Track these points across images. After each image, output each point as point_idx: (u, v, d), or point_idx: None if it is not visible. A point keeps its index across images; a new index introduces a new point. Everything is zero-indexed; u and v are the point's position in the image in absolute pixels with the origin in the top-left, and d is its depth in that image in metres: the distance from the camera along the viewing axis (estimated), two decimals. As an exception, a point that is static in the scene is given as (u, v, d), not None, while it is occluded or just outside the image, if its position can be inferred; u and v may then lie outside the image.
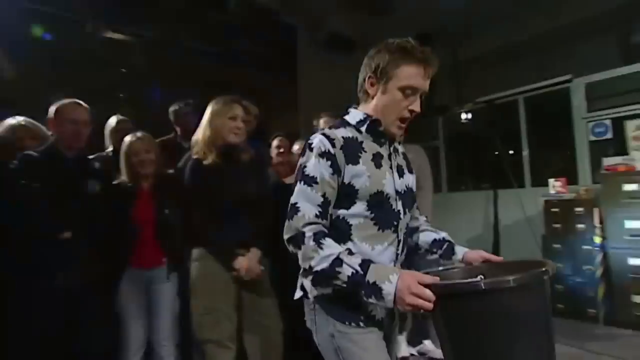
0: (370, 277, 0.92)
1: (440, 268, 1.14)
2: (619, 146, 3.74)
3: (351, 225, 1.05)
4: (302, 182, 1.04)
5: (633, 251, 3.14)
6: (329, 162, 1.03)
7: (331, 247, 0.97)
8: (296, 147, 2.35)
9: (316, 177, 1.03)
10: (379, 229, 1.07)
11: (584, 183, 3.94)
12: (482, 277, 0.94)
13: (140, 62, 5.29)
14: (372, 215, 1.06)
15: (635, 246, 3.14)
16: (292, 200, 1.04)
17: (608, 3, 4.75)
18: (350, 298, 1.00)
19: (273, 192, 2.21)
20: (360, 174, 1.04)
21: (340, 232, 1.05)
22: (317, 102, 5.95)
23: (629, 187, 3.17)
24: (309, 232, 0.99)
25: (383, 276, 0.91)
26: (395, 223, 1.10)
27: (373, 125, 1.11)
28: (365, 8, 5.63)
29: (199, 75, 5.64)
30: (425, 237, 1.25)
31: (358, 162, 1.05)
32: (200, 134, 1.81)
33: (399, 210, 1.11)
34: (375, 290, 0.91)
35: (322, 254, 0.96)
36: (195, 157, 1.80)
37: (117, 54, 4.92)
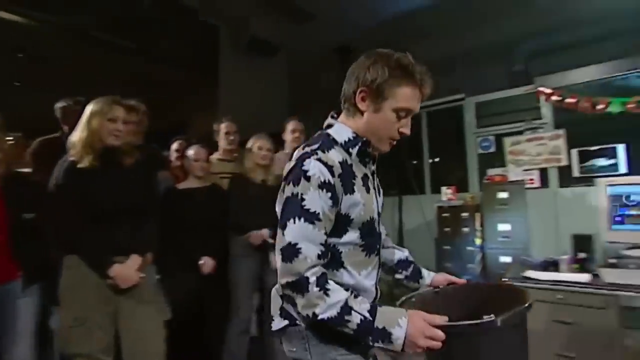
0: (379, 323, 0.88)
1: (417, 292, 1.15)
2: (501, 159, 4.29)
3: (342, 252, 0.99)
4: (302, 219, 0.91)
5: (503, 250, 3.63)
6: (329, 194, 0.93)
7: (337, 293, 0.90)
8: (191, 152, 2.31)
9: (319, 213, 0.92)
10: (366, 255, 1.03)
11: (473, 191, 4.44)
12: (493, 316, 0.89)
13: (45, 49, 4.79)
14: (363, 242, 1.01)
15: (504, 246, 3.63)
16: (292, 239, 0.91)
17: (498, 35, 5.41)
18: None
19: (164, 197, 2.17)
20: (357, 204, 0.97)
21: (332, 260, 0.98)
22: (238, 105, 5.89)
23: (501, 195, 3.66)
24: (312, 276, 0.90)
25: (392, 321, 0.88)
26: (377, 246, 1.07)
27: (364, 147, 1.02)
28: (288, 14, 5.73)
29: (114, 69, 5.26)
30: (390, 255, 1.23)
31: (354, 191, 0.97)
32: (77, 135, 1.71)
33: (380, 233, 1.08)
34: (385, 335, 0.87)
35: (328, 302, 0.89)
36: (71, 159, 1.70)
37: (11, 38, 4.41)
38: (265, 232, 2.29)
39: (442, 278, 1.19)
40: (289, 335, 1.01)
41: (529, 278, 2.13)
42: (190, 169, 2.28)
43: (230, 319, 2.28)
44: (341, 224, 0.97)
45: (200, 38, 5.67)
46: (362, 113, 1.01)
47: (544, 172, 4.05)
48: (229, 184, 2.37)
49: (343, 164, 0.97)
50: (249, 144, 2.43)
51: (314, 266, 0.91)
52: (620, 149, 3.67)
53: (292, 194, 0.94)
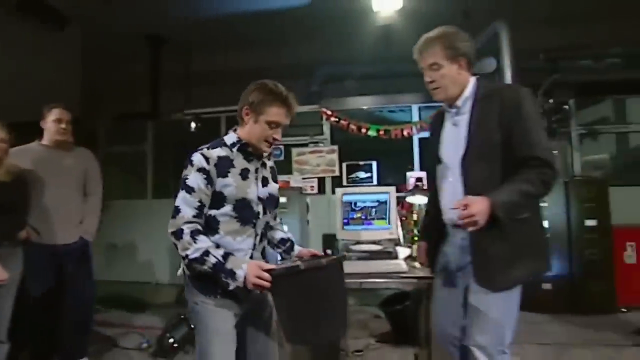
0: (228, 265, 1.32)
1: (288, 262, 1.55)
2: (289, 167, 4.84)
3: (219, 221, 1.42)
4: (184, 190, 1.39)
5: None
6: (204, 176, 1.39)
7: (203, 242, 1.34)
8: None
9: (194, 187, 1.38)
10: (240, 225, 1.43)
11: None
12: (300, 263, 1.36)
13: None
14: (236, 215, 1.42)
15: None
16: (176, 203, 1.38)
17: (301, 57, 6.10)
18: (211, 277, 1.37)
19: None
20: (229, 185, 1.40)
21: (210, 226, 1.41)
22: (3, 79, 4.79)
23: (281, 199, 4.13)
24: (186, 229, 1.34)
25: (237, 265, 1.32)
26: (254, 221, 1.46)
27: (243, 147, 1.46)
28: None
29: None
30: (276, 234, 1.65)
31: (227, 176, 1.41)
32: None
33: (258, 212, 1.48)
34: (231, 274, 1.31)
35: (195, 247, 1.33)
36: None
37: None
38: None
39: (306, 251, 1.62)
40: (182, 280, 1.50)
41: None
42: None
43: None
44: (218, 199, 1.41)
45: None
46: (246, 124, 1.46)
47: (321, 180, 4.78)
48: None
49: (222, 157, 1.42)
50: None
51: (189, 222, 1.35)
52: (374, 164, 4.68)
53: (183, 175, 1.42)
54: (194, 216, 1.37)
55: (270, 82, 1.46)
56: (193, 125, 5.45)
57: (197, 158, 1.41)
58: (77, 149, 2.72)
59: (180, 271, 1.52)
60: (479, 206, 1.28)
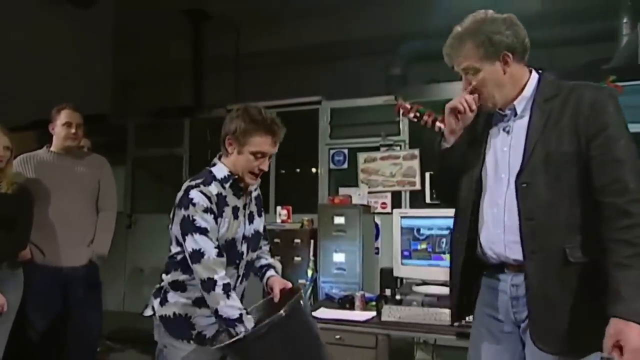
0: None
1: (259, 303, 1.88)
2: (353, 177, 4.91)
3: None
4: (199, 233, 1.69)
5: (337, 285, 4.15)
6: (212, 216, 1.72)
7: (235, 300, 1.68)
8: None
9: (208, 228, 1.70)
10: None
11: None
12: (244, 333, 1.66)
13: None
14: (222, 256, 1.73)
15: (339, 280, 4.16)
16: (194, 247, 1.68)
17: (373, 30, 6.17)
18: (186, 319, 1.77)
19: None
20: (223, 225, 1.75)
21: (189, 266, 1.71)
22: (27, 71, 5.52)
23: (338, 219, 4.23)
24: (220, 281, 1.67)
25: None
26: (237, 262, 1.84)
27: (235, 183, 1.79)
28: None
29: None
30: (258, 262, 2.02)
31: (222, 216, 1.75)
32: None
33: (242, 252, 1.85)
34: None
35: (228, 303, 1.66)
36: None
37: None
38: None
39: (277, 282, 1.89)
40: (154, 320, 1.85)
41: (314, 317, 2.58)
42: None
43: None
44: None
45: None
46: (230, 154, 1.78)
47: (396, 196, 4.73)
48: None
49: (219, 195, 1.74)
50: None
51: (218, 270, 1.68)
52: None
53: (185, 216, 1.71)
54: (217, 255, 1.71)
55: (253, 108, 1.76)
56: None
57: (199, 197, 1.72)
58: (91, 155, 3.09)
59: (149, 310, 1.85)
60: (637, 341, 1.22)
